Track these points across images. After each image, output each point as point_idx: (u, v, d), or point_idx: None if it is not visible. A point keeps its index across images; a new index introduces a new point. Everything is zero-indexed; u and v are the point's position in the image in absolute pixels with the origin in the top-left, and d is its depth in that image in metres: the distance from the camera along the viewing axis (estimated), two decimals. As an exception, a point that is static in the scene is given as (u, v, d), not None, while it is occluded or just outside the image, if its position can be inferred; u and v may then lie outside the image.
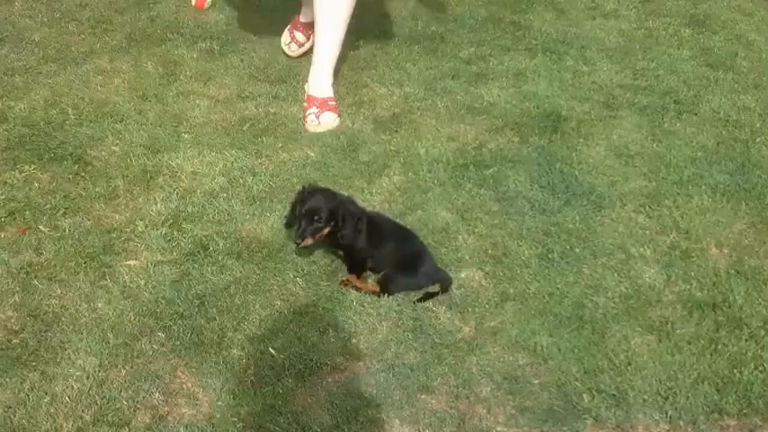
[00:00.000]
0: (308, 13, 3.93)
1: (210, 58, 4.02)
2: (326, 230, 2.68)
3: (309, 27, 3.91)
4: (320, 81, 3.65)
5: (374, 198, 3.11)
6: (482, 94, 3.84)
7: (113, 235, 2.87)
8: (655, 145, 3.49)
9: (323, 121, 3.55)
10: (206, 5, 4.45)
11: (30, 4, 4.41)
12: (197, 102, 3.69)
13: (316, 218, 2.64)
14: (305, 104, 3.64)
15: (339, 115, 3.61)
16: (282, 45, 4.10)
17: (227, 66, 3.97)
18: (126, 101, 3.65)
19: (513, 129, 3.57)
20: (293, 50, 4.07)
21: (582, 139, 3.51)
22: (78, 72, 3.85)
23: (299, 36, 4.05)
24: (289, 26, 4.08)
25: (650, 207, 3.10)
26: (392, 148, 3.44)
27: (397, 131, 3.54)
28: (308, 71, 3.70)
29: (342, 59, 3.90)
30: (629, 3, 4.73)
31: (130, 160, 3.25)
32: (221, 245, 2.84)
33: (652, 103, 3.78)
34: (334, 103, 3.63)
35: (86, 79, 3.80)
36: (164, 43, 4.11)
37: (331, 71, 3.68)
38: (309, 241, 2.68)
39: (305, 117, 3.59)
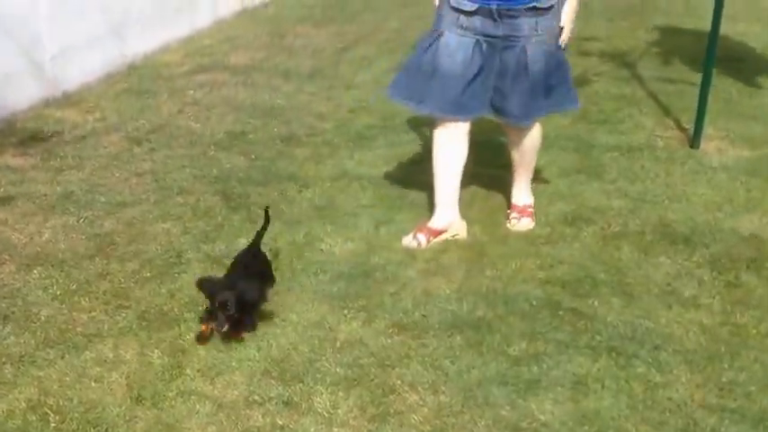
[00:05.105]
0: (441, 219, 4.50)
1: (225, 346, 3.56)
2: None
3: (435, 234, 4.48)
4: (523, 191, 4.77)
5: None
6: (532, 409, 3.23)
7: None
8: None
9: (522, 225, 4.65)
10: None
11: (48, 272, 4.09)
12: (197, 406, 3.20)
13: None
14: (508, 211, 4.78)
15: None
16: (404, 243, 4.47)
17: (240, 357, 3.49)
18: (117, 404, 3.19)
19: (566, 471, 2.94)
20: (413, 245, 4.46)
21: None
22: (76, 362, 3.43)
23: (422, 239, 4.46)
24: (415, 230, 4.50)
25: None
26: (414, 491, 2.84)
27: (424, 465, 2.96)
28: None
29: (370, 351, 3.50)
30: (712, 288, 4.05)
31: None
32: None
33: (742, 436, 3.08)
34: (532, 210, 4.74)
35: (82, 372, 3.38)
36: (177, 325, 3.69)
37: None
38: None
39: (509, 219, 4.70)
